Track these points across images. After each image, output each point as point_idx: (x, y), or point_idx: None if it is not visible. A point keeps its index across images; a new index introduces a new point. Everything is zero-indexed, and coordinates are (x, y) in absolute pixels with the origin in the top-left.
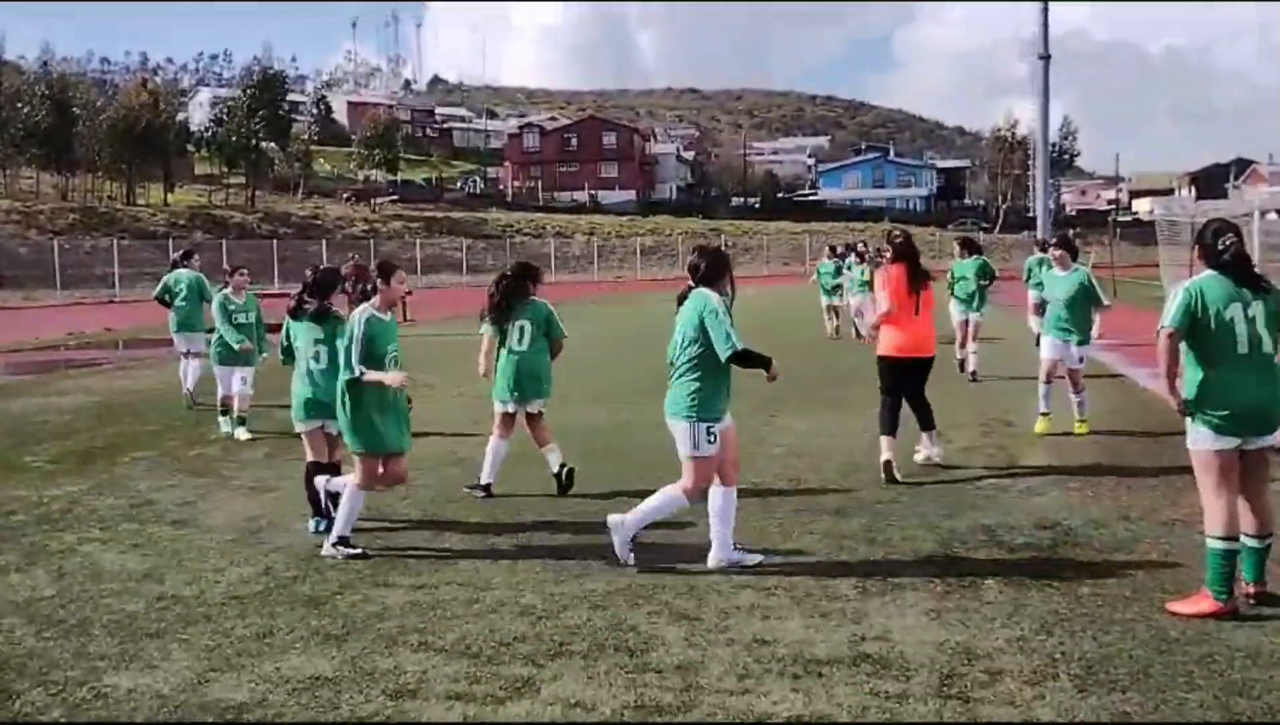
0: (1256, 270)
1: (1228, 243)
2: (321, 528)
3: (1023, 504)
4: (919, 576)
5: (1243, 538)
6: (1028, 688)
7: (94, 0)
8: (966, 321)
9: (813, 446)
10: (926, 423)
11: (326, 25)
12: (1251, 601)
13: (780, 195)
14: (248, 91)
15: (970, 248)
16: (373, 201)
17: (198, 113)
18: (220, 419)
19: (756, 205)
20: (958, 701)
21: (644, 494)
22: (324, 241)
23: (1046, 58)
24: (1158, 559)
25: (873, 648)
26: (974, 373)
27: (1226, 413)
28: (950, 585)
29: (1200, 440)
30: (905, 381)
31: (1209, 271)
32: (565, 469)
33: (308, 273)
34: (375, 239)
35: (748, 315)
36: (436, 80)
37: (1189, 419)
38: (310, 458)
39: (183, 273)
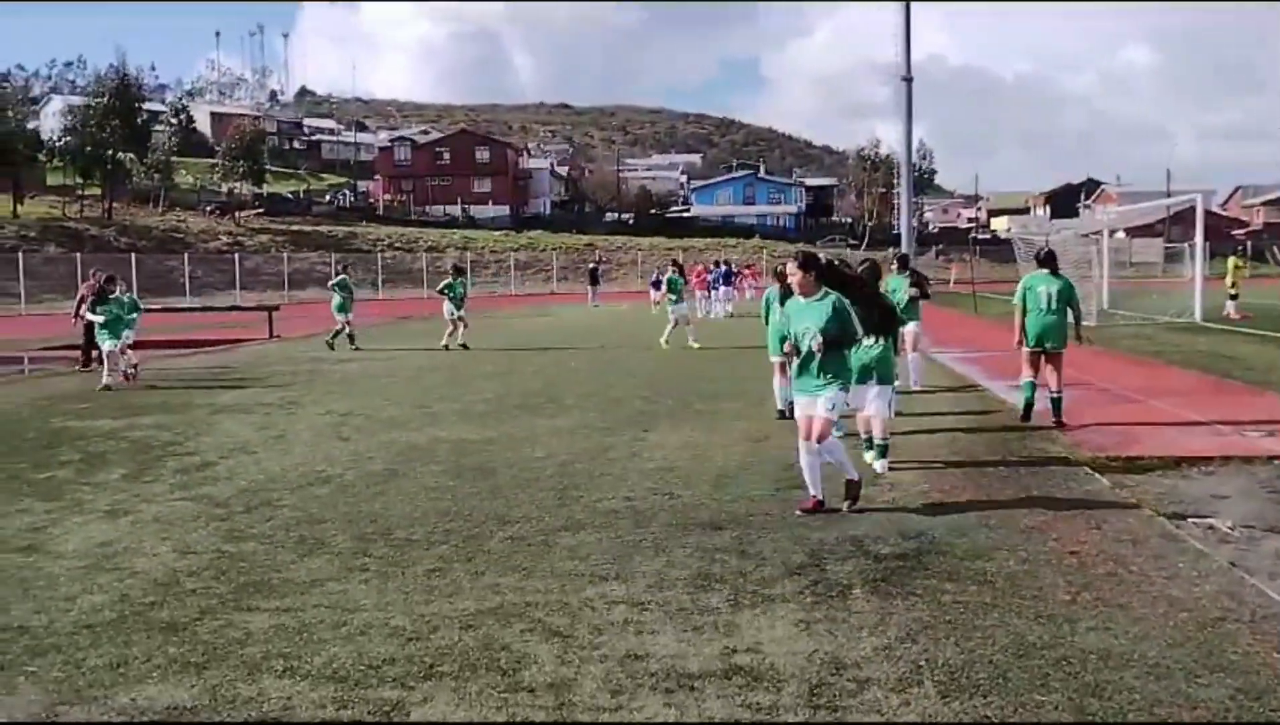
0: (1057, 265)
1: (1043, 252)
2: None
3: (889, 514)
4: (789, 588)
5: (1048, 393)
6: (894, 695)
7: None
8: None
9: (685, 461)
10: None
11: (189, 35)
12: (1057, 431)
13: (653, 211)
14: (102, 99)
15: (903, 263)
16: (237, 215)
17: (50, 121)
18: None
19: (630, 221)
20: (826, 711)
21: (518, 507)
22: (185, 255)
23: (909, 80)
24: (1015, 565)
25: (744, 660)
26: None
27: (1034, 337)
28: (820, 596)
29: (1026, 346)
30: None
31: (1036, 270)
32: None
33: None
34: (240, 253)
35: (621, 327)
36: (304, 92)
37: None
38: None
39: None
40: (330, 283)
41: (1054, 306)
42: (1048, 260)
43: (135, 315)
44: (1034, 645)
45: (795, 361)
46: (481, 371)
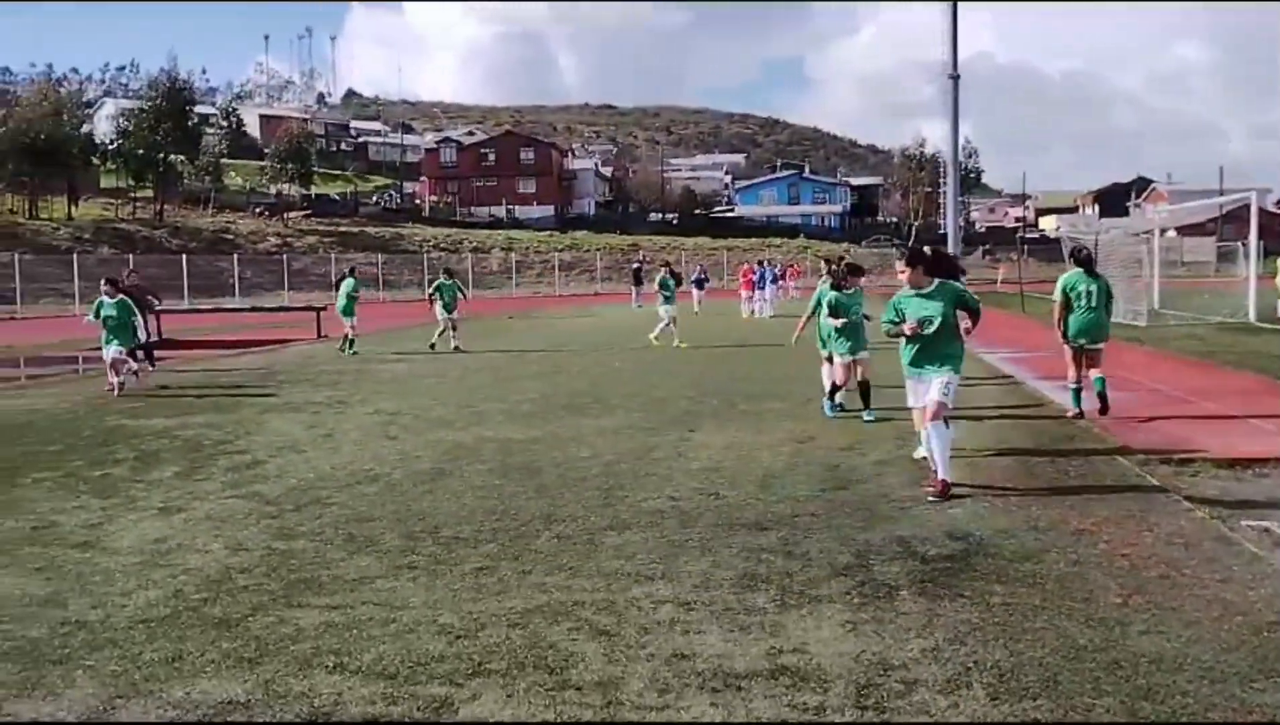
0: (1096, 266)
1: (1082, 253)
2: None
3: (936, 515)
4: (836, 588)
5: (1093, 379)
6: (941, 697)
7: None
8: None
9: (730, 461)
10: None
11: (238, 39)
12: (1108, 433)
13: (697, 211)
14: (154, 102)
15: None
16: (286, 216)
17: (103, 124)
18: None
19: (674, 221)
20: (874, 712)
21: (564, 506)
22: (235, 256)
23: (956, 78)
24: (1065, 568)
25: (790, 660)
26: None
27: (1076, 332)
28: (866, 597)
29: (1066, 344)
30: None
31: (1074, 268)
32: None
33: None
34: (289, 254)
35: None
36: (351, 94)
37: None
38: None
39: None
40: (346, 284)
41: (1094, 304)
42: (1086, 262)
43: (135, 318)
44: (1085, 648)
45: (910, 348)
46: (526, 371)
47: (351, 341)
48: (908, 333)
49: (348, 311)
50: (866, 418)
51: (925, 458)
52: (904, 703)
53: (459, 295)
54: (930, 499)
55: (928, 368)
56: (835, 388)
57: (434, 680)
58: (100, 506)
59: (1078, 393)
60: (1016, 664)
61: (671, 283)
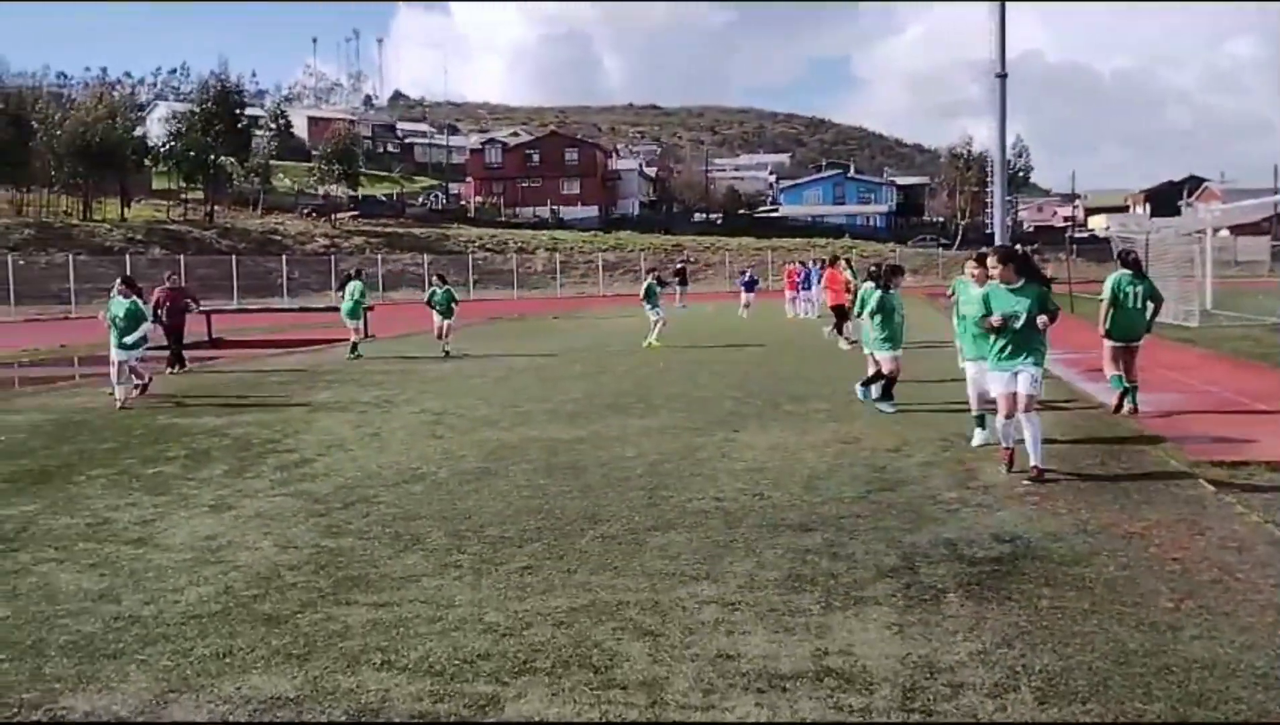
0: (1143, 268)
1: (1130, 256)
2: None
3: (983, 518)
4: (882, 590)
5: (1124, 383)
6: (989, 701)
7: (49, 0)
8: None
9: (775, 462)
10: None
11: (287, 41)
12: (1129, 414)
13: (741, 211)
14: (204, 105)
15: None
16: (333, 217)
17: (156, 127)
18: None
19: (718, 221)
20: (920, 715)
21: (608, 506)
22: (284, 257)
23: (1003, 76)
24: (1115, 571)
25: (836, 662)
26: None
27: (1120, 331)
28: (912, 599)
29: (1107, 341)
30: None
31: (1122, 270)
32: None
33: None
34: (336, 255)
35: (706, 330)
36: (398, 96)
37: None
38: None
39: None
40: (352, 287)
41: (1139, 305)
42: (1134, 264)
43: (145, 325)
44: (1135, 653)
45: (998, 341)
46: (570, 371)
47: (354, 345)
48: (995, 325)
49: (353, 314)
50: (881, 406)
51: (982, 446)
52: (951, 706)
53: (449, 300)
54: (1028, 482)
55: (1015, 360)
56: (875, 379)
57: (480, 678)
58: (152, 503)
59: (1121, 383)
60: (1065, 668)
61: (657, 289)
